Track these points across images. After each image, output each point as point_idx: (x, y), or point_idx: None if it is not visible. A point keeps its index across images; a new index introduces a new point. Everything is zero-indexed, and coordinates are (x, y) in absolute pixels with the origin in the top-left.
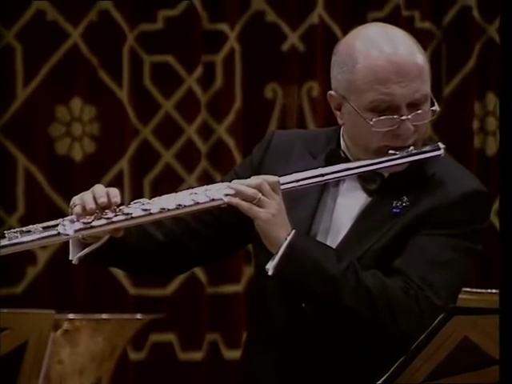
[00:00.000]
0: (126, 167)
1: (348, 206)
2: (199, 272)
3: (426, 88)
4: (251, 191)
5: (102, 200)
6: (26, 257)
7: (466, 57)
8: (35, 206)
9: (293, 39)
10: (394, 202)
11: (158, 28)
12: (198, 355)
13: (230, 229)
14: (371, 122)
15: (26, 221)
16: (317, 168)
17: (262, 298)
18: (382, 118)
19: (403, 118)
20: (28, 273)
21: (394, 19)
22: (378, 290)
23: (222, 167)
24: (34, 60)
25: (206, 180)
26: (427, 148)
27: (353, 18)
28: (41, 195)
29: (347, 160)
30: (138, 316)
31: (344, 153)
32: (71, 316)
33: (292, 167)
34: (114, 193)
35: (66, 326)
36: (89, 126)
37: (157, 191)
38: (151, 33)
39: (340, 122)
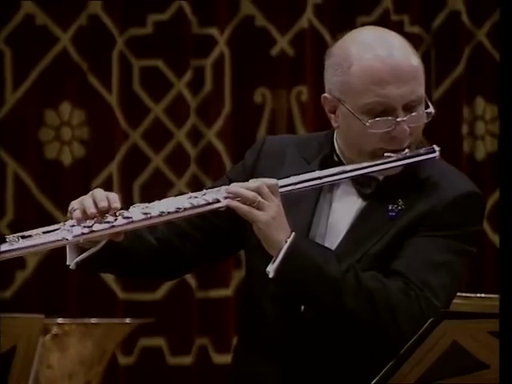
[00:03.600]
0: (116, 171)
1: (344, 211)
2: (188, 276)
3: (421, 90)
4: (251, 194)
5: (103, 204)
6: (15, 261)
7: (455, 61)
8: (24, 211)
9: (282, 44)
10: (390, 206)
11: (147, 32)
12: (187, 359)
13: (222, 234)
14: (367, 124)
15: (15, 225)
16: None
17: (255, 304)
18: (377, 119)
19: (399, 119)
20: (17, 277)
21: (383, 24)
22: (378, 291)
23: (211, 171)
24: (24, 64)
25: (196, 184)
26: (422, 151)
27: (342, 23)
28: (30, 199)
29: (341, 164)
30: (128, 320)
31: (338, 157)
32: (60, 320)
33: (286, 172)
34: (114, 198)
35: (55, 330)
36: (78, 130)
37: (146, 195)
38: (141, 37)
39: (334, 125)
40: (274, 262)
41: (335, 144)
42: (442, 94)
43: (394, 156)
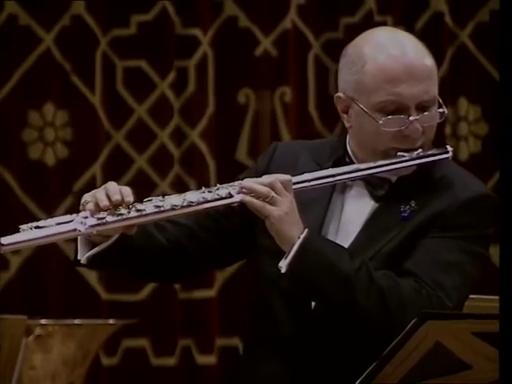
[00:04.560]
0: (99, 172)
1: (356, 212)
2: None
3: (435, 90)
4: (264, 189)
5: (116, 198)
6: None
7: (438, 62)
8: (8, 211)
9: (266, 44)
10: (402, 207)
11: (130, 33)
12: (170, 360)
13: (231, 237)
14: (380, 122)
15: None
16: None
17: (265, 304)
18: (390, 117)
19: (412, 118)
20: (0, 278)
21: (366, 24)
22: (390, 289)
23: (194, 172)
24: (7, 65)
25: (179, 185)
26: (436, 151)
27: (325, 24)
28: (13, 200)
29: None
30: (111, 321)
31: (350, 159)
32: (43, 321)
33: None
34: (127, 191)
35: (38, 331)
36: (61, 131)
37: None
38: (124, 38)
39: (347, 124)
40: (287, 257)
41: (348, 146)
42: None
43: (408, 155)
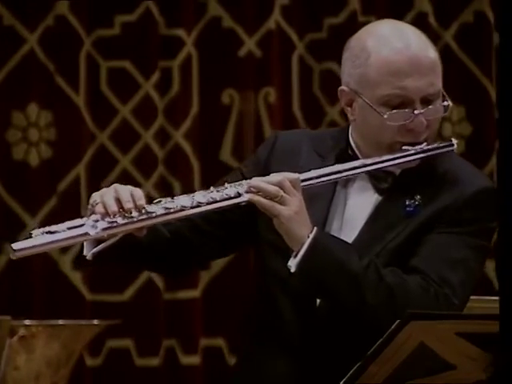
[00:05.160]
0: (83, 173)
1: (359, 206)
2: (156, 278)
3: (439, 83)
4: (273, 188)
5: (128, 206)
6: None
7: None
8: None
9: (249, 45)
10: (407, 201)
11: (114, 33)
12: (154, 361)
13: (233, 227)
14: (385, 116)
15: None
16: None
17: (269, 301)
18: (395, 111)
19: (416, 112)
20: None
21: (350, 25)
22: (398, 286)
23: (178, 173)
24: None
25: (163, 185)
26: (441, 144)
27: (309, 24)
28: None
29: (357, 159)
30: (95, 322)
31: (353, 151)
32: (27, 322)
33: (301, 168)
34: (139, 195)
35: (22, 332)
36: (45, 132)
37: None
38: (108, 38)
39: (351, 118)
40: (296, 256)
41: (350, 139)
42: None
43: (413, 149)
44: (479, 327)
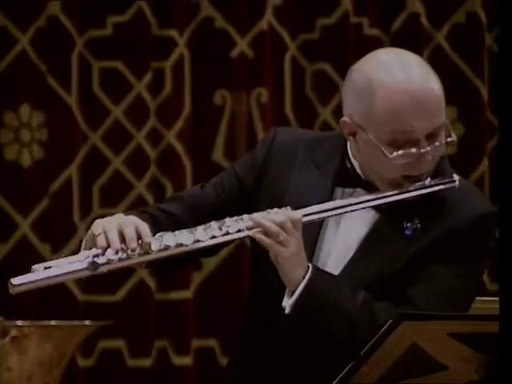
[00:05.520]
0: (75, 173)
1: (354, 223)
2: (148, 278)
3: (443, 115)
4: (275, 229)
5: (133, 246)
6: None
7: None
8: None
9: (242, 45)
10: (405, 224)
11: (106, 34)
12: (146, 362)
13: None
14: (391, 156)
15: None
16: (323, 182)
17: (260, 310)
18: (401, 153)
19: (423, 151)
20: None
21: (342, 26)
22: None
23: (171, 173)
24: None
25: (156, 186)
26: (442, 180)
27: (301, 25)
28: None
29: (358, 176)
30: (87, 322)
31: (352, 164)
32: (19, 323)
33: (295, 177)
34: (145, 233)
35: (14, 332)
36: (37, 132)
37: (106, 198)
38: (100, 38)
39: (354, 147)
40: (292, 297)
41: (349, 151)
42: None
43: (415, 185)
44: (471, 328)
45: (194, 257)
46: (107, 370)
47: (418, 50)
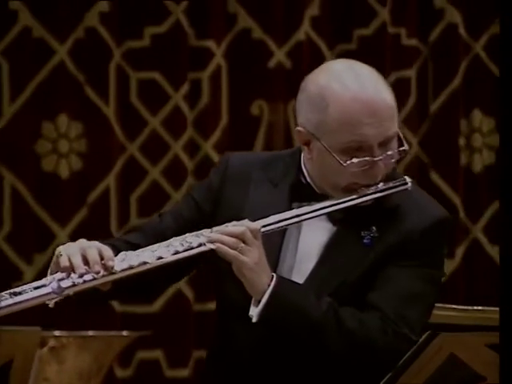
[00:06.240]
0: (113, 184)
1: (313, 236)
2: (186, 289)
3: (395, 125)
4: (233, 241)
5: (97, 269)
6: (12, 272)
7: (453, 74)
8: (22, 223)
9: (279, 56)
10: (363, 232)
11: (144, 45)
12: (184, 372)
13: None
14: (345, 164)
15: (12, 238)
16: (280, 197)
17: (226, 327)
18: (355, 160)
19: (376, 159)
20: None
21: (380, 36)
22: (358, 331)
23: None
24: (21, 77)
25: None
26: (395, 183)
27: (339, 35)
28: (27, 212)
29: (313, 190)
30: (125, 333)
31: (306, 179)
32: (58, 333)
33: (252, 195)
34: (108, 256)
35: (52, 343)
36: (75, 143)
37: (143, 208)
38: (138, 50)
39: (307, 156)
40: (257, 306)
41: (302, 166)
42: (439, 106)
43: (369, 190)
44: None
45: (166, 281)
46: (145, 381)
47: (456, 61)
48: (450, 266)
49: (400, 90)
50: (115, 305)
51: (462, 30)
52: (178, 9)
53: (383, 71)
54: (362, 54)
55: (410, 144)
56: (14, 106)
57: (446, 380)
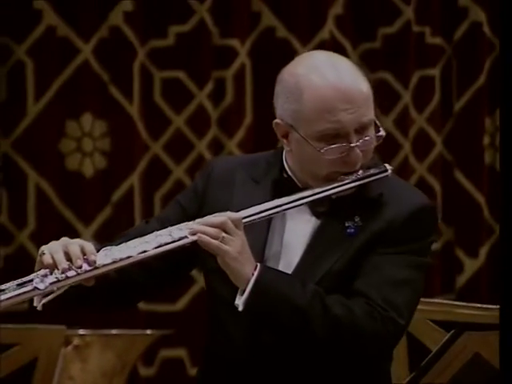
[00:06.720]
0: (137, 183)
1: (298, 230)
2: None
3: (372, 113)
4: (214, 231)
5: (79, 263)
6: None
7: (477, 72)
8: (46, 222)
9: None
10: (346, 223)
11: (168, 44)
12: None
13: (178, 260)
14: (322, 151)
15: (36, 236)
16: (262, 193)
17: (219, 327)
18: (332, 146)
19: (352, 145)
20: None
21: (404, 35)
22: (345, 318)
23: None
24: (45, 76)
25: None
26: (375, 170)
27: (363, 34)
28: (51, 211)
29: (294, 184)
30: (148, 332)
31: (288, 175)
32: (82, 331)
33: (236, 195)
34: (90, 250)
35: (76, 341)
36: (99, 142)
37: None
38: (162, 48)
39: (287, 149)
40: (243, 295)
41: (284, 163)
42: (463, 104)
43: (349, 178)
44: None
45: (149, 291)
46: (168, 379)
47: (480, 59)
48: (473, 265)
49: (424, 88)
50: (139, 303)
51: (486, 29)
52: (202, 8)
53: (407, 70)
54: (386, 53)
55: (434, 143)
56: (38, 106)
57: (471, 379)
